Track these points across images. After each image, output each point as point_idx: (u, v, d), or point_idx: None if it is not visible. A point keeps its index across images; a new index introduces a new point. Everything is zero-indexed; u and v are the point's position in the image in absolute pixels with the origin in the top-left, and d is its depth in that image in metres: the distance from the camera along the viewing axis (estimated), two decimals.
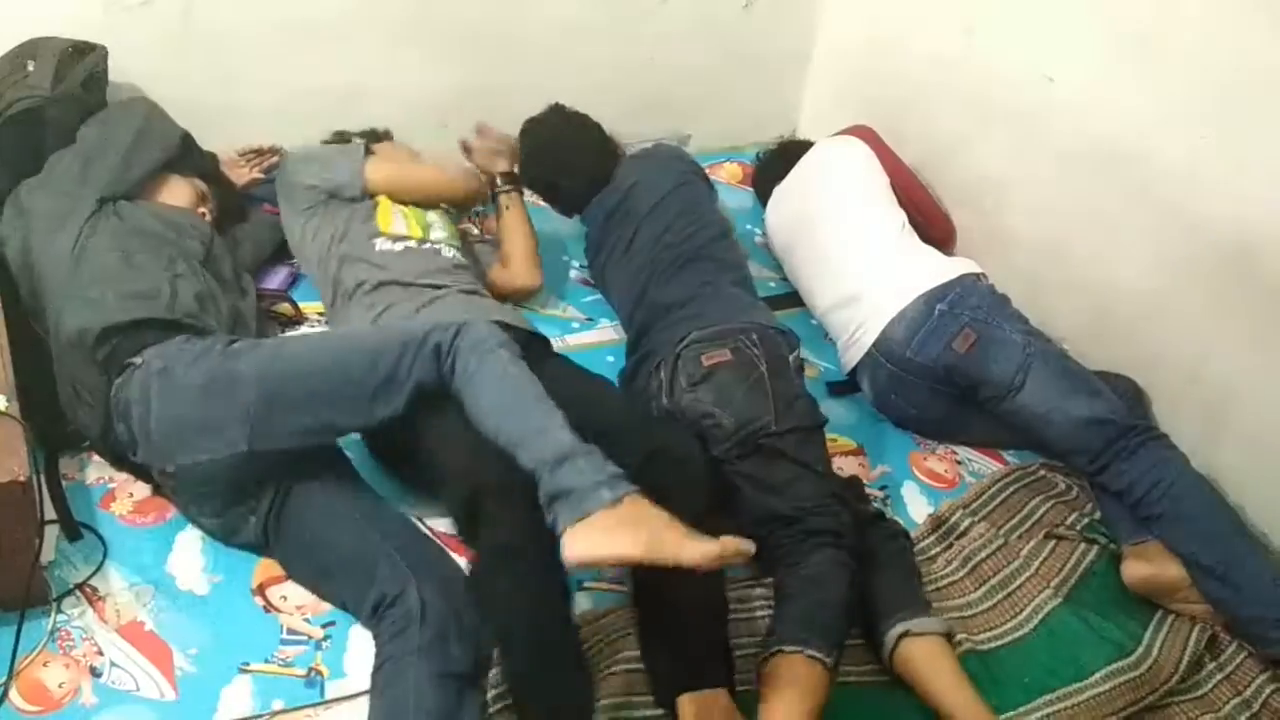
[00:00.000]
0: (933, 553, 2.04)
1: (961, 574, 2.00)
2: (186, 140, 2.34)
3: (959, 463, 2.28)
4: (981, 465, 2.27)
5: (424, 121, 2.69)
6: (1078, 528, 2.11)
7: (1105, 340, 2.38)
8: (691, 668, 1.66)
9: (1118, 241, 2.34)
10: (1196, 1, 2.10)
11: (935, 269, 2.28)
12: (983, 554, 2.03)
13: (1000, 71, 2.56)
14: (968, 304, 2.19)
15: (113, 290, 1.87)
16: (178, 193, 2.23)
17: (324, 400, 1.71)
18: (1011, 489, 2.20)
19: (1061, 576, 1.99)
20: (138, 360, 1.76)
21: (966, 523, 2.09)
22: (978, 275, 2.30)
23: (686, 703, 1.62)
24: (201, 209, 2.26)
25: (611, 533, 1.48)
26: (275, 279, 2.48)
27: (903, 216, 2.43)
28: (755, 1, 3.05)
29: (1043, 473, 2.24)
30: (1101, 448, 2.05)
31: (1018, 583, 1.98)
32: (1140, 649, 1.87)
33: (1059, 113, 2.42)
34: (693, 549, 1.47)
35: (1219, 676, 1.86)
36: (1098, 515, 2.13)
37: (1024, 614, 1.93)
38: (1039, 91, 2.45)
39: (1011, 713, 1.74)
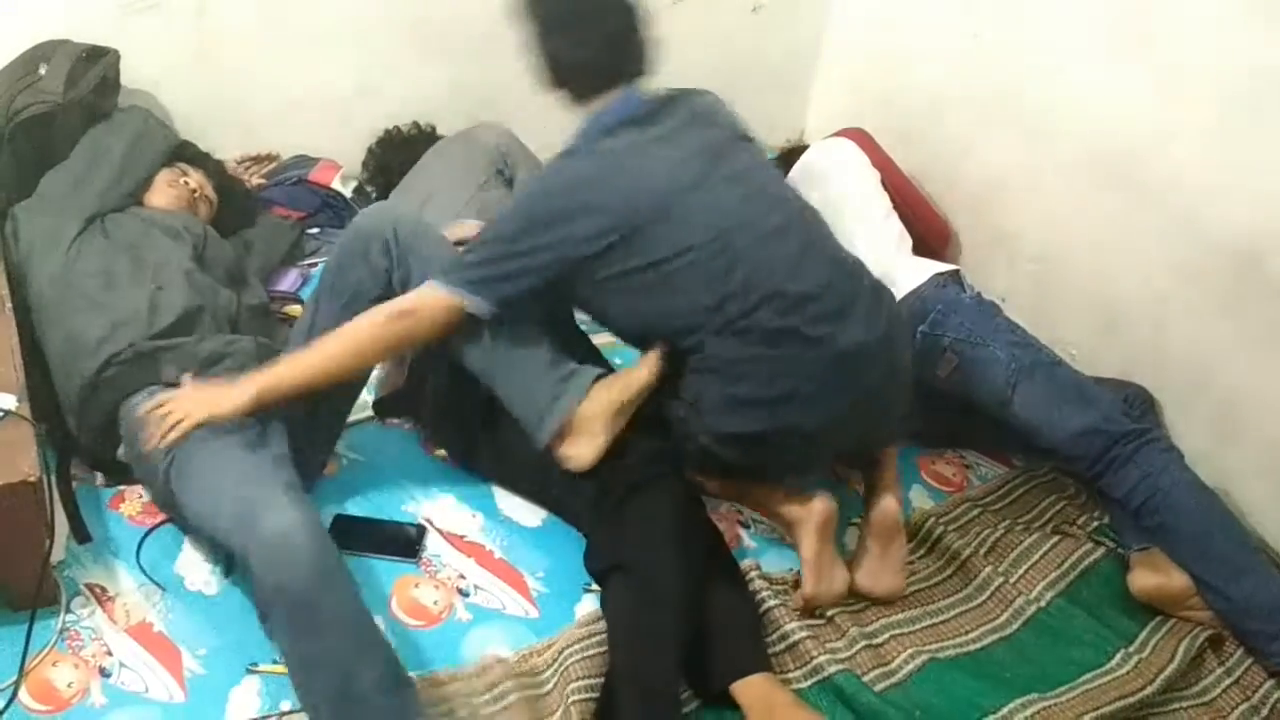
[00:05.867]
0: (919, 553, 2.03)
1: (949, 572, 1.99)
2: (185, 148, 2.35)
3: (967, 466, 2.28)
4: (989, 470, 2.27)
5: (432, 122, 2.70)
6: (1087, 529, 2.10)
7: (1113, 346, 2.37)
8: (739, 655, 1.71)
9: (1125, 246, 2.33)
10: (1205, 5, 2.10)
11: (910, 278, 2.23)
12: (982, 550, 2.02)
13: (1007, 75, 2.55)
14: (949, 324, 2.15)
15: (93, 320, 1.89)
16: (163, 191, 2.24)
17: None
18: (1022, 489, 2.20)
19: (1060, 571, 1.99)
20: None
21: (972, 515, 2.11)
22: (951, 276, 2.26)
23: (742, 688, 1.66)
24: (192, 205, 2.27)
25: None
26: (285, 281, 2.49)
27: (898, 227, 2.42)
28: (764, 5, 3.05)
29: (1053, 475, 2.24)
30: (1095, 457, 2.02)
31: (1016, 575, 1.97)
32: (1131, 648, 1.86)
33: (1066, 117, 2.41)
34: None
35: (1227, 681, 1.85)
36: (1107, 519, 2.12)
37: (1014, 607, 1.92)
38: (1046, 96, 2.45)
39: (994, 712, 1.72)
